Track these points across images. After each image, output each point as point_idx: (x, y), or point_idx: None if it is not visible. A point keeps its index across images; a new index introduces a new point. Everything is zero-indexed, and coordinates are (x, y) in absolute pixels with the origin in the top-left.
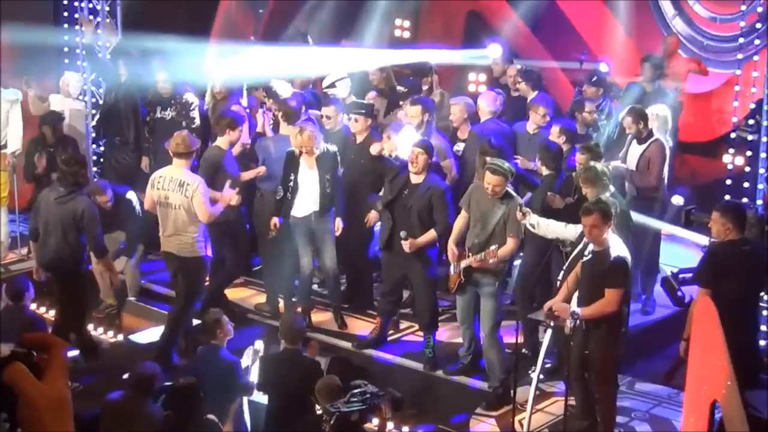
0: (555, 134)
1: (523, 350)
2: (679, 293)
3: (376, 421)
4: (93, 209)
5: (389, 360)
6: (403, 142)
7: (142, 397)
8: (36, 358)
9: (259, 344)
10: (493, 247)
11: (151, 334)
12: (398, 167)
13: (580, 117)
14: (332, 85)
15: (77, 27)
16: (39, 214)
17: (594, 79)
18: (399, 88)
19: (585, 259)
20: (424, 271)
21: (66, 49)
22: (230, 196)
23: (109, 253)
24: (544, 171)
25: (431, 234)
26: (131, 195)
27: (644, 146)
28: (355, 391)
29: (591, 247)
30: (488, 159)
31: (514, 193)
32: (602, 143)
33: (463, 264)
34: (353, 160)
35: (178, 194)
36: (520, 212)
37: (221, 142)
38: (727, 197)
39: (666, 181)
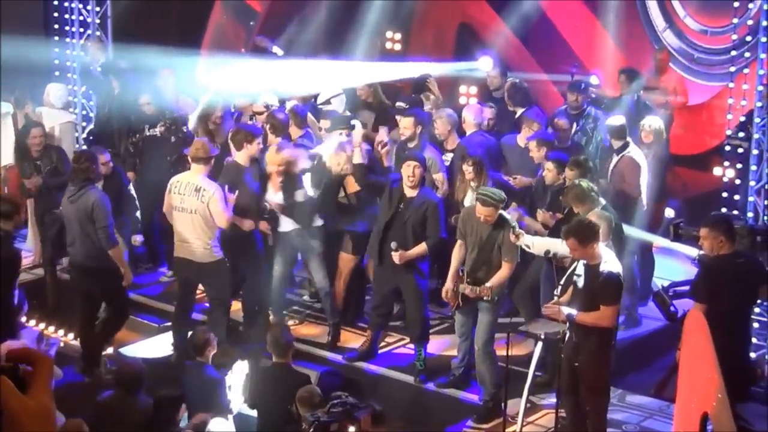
0: (534, 148)
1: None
2: (672, 308)
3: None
4: (103, 200)
5: (380, 372)
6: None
7: (131, 394)
8: (21, 372)
9: (244, 364)
10: (488, 285)
11: (141, 347)
12: (388, 181)
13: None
14: (327, 102)
15: (68, 40)
16: (65, 219)
17: (583, 86)
18: (399, 103)
19: (579, 272)
20: (415, 284)
21: (56, 61)
22: (232, 199)
23: (119, 245)
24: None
25: (422, 247)
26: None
27: (616, 159)
28: (336, 402)
29: (584, 261)
30: (465, 168)
31: (507, 216)
32: (591, 149)
33: (461, 289)
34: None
35: (194, 199)
36: (513, 235)
37: (240, 157)
38: (723, 210)
39: (643, 193)
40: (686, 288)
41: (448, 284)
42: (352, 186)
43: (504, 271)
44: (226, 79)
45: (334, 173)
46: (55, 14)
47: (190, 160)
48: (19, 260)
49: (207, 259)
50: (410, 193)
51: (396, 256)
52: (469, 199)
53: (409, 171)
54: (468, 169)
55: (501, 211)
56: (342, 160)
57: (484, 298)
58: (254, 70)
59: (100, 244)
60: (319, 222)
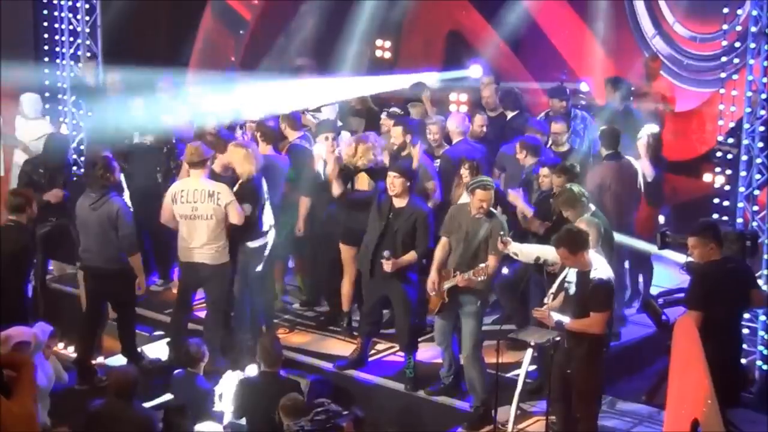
0: (518, 150)
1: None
2: (664, 317)
3: None
4: (126, 209)
5: (370, 380)
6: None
7: (125, 402)
8: (5, 377)
9: (236, 373)
10: (482, 265)
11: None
12: (372, 194)
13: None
14: (318, 110)
15: (58, 61)
16: (77, 223)
17: (569, 91)
18: (393, 108)
19: (570, 279)
20: (403, 293)
21: (47, 82)
22: None
23: (139, 253)
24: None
25: (412, 255)
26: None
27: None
28: (319, 410)
29: (575, 268)
30: (462, 172)
31: (495, 212)
32: (585, 148)
33: (448, 285)
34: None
35: (209, 204)
36: (501, 242)
37: (215, 165)
38: (715, 216)
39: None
40: (679, 296)
41: (433, 275)
42: (363, 183)
43: (490, 263)
44: (214, 100)
45: (345, 161)
46: (45, 23)
47: (187, 166)
48: (32, 251)
49: (219, 261)
50: (399, 203)
51: (387, 265)
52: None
53: (389, 181)
54: (465, 172)
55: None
56: (359, 151)
57: (480, 278)
58: (241, 90)
59: (120, 249)
60: (260, 242)
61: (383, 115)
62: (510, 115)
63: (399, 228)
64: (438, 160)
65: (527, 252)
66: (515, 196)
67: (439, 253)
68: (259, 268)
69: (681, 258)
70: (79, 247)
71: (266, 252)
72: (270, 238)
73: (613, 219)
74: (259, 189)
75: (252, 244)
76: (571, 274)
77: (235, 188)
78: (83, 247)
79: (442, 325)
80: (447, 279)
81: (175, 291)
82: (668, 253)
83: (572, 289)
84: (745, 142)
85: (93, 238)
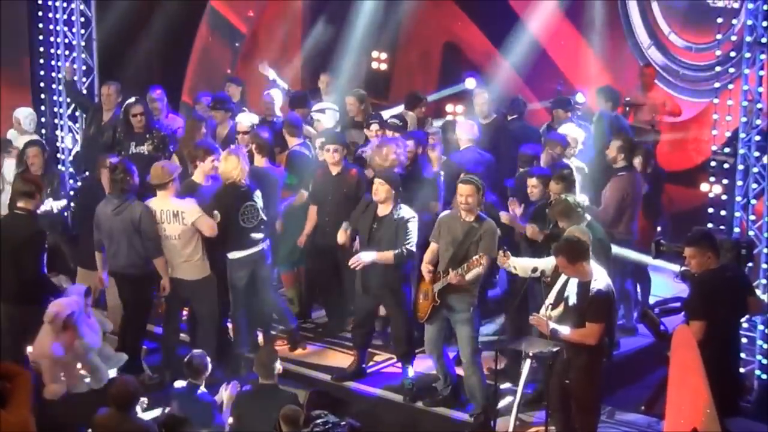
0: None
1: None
2: (662, 327)
3: None
4: (149, 212)
5: (369, 392)
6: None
7: (125, 412)
8: (0, 388)
9: (234, 385)
10: (476, 257)
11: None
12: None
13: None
14: (321, 111)
15: (53, 62)
16: (101, 228)
17: (572, 102)
18: (392, 119)
19: (570, 290)
20: (396, 302)
21: (42, 84)
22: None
23: (163, 256)
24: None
25: (388, 254)
26: None
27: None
28: (318, 421)
29: (575, 278)
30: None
31: (486, 216)
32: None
33: (439, 286)
34: (333, 192)
35: (175, 224)
36: (503, 257)
37: (196, 175)
38: (710, 225)
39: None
40: (675, 305)
41: (425, 264)
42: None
43: (483, 259)
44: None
45: (376, 167)
46: (40, 37)
47: (155, 187)
48: (43, 237)
49: (199, 275)
50: (383, 211)
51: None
52: None
53: (374, 188)
54: None
55: (479, 213)
56: (389, 156)
57: (475, 270)
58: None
59: (144, 253)
60: (242, 254)
61: (373, 127)
62: (510, 117)
63: (382, 238)
64: (442, 171)
65: (524, 266)
66: (508, 217)
67: (428, 256)
68: (244, 280)
69: (675, 267)
70: (70, 260)
71: (254, 263)
72: (260, 249)
73: (629, 229)
74: (237, 199)
75: (232, 255)
76: (571, 285)
77: (215, 192)
78: (109, 254)
79: (431, 332)
80: (437, 281)
81: None
82: (663, 263)
83: (572, 300)
84: (741, 151)
85: (117, 243)
